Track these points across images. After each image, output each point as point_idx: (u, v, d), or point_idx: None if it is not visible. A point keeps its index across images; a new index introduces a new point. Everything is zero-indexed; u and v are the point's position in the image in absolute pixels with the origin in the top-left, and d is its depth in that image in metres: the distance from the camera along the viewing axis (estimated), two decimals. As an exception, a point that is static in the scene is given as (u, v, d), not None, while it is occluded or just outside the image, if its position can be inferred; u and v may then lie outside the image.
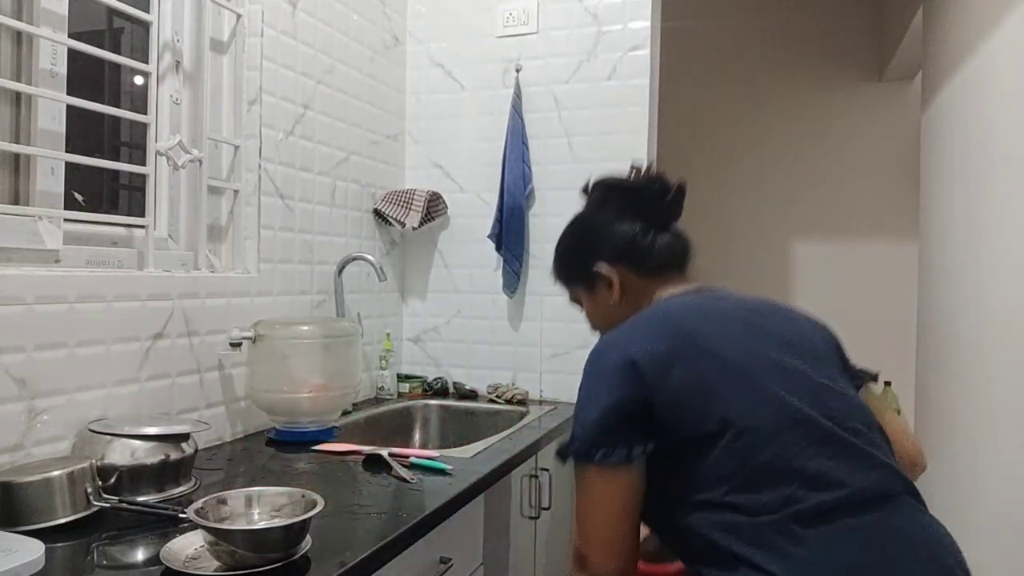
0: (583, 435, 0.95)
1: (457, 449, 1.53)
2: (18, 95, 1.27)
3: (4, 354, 1.10)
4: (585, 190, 1.20)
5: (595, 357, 0.99)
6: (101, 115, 1.48)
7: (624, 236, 1.11)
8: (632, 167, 1.16)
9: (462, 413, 2.07)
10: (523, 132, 2.13)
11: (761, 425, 0.89)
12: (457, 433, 2.05)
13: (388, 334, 2.18)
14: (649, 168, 1.16)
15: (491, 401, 2.09)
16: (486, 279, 2.21)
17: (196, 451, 1.24)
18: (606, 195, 1.16)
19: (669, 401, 0.92)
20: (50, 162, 1.30)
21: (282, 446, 1.54)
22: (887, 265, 3.24)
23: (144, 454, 1.15)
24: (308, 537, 0.96)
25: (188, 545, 0.94)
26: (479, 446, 1.55)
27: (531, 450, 1.61)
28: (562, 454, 0.99)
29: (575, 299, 1.21)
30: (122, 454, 1.14)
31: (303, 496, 1.00)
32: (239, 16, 1.65)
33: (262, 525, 0.96)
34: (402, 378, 2.17)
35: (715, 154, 3.47)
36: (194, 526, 0.95)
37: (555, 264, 1.22)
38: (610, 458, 0.92)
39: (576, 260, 1.17)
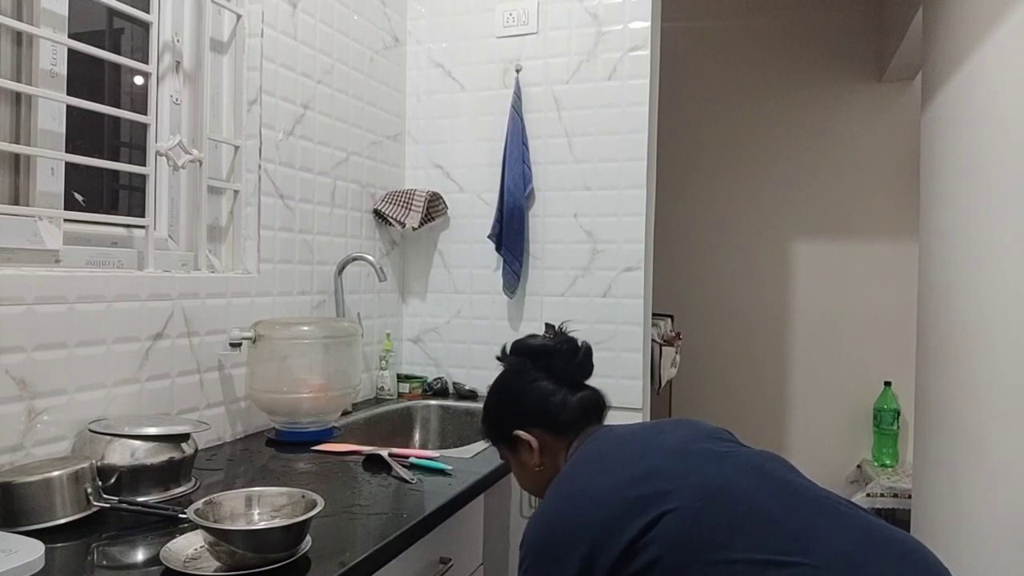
0: None
1: (457, 449, 1.53)
2: (18, 95, 1.27)
3: (4, 354, 1.10)
4: (502, 357, 1.25)
5: (527, 541, 0.98)
6: (101, 115, 1.48)
7: (538, 399, 1.16)
8: (546, 325, 1.21)
9: (462, 413, 2.07)
10: (523, 132, 2.13)
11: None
12: (457, 433, 2.05)
13: (388, 334, 2.18)
14: (561, 328, 1.23)
15: (491, 401, 2.09)
16: (486, 279, 2.21)
17: (196, 451, 1.24)
18: (520, 359, 1.21)
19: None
20: (50, 162, 1.30)
21: (282, 446, 1.54)
22: (887, 265, 3.24)
23: (144, 454, 1.15)
24: (308, 537, 0.96)
25: (188, 545, 0.94)
26: (479, 446, 1.55)
27: (531, 450, 1.61)
28: None
29: (504, 459, 1.25)
30: (122, 454, 1.14)
31: (303, 496, 1.00)
32: (239, 16, 1.65)
33: (262, 525, 0.96)
34: (402, 378, 2.17)
35: (715, 154, 3.47)
36: (194, 526, 0.95)
37: (482, 426, 1.27)
38: None
39: (498, 425, 1.21)
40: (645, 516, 0.90)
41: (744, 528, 0.87)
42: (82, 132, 1.45)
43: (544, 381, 1.17)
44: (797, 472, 0.99)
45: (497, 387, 1.23)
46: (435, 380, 2.20)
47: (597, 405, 1.19)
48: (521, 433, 1.16)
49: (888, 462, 3.13)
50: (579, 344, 1.20)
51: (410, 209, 2.11)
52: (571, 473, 1.04)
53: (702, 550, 0.86)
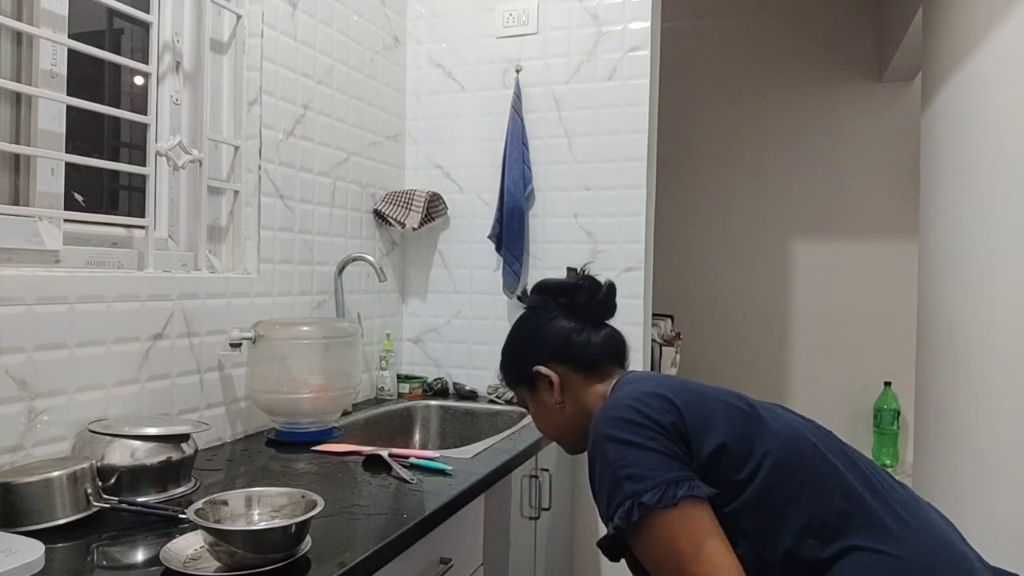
0: (649, 484, 0.87)
1: (457, 450, 1.53)
2: (18, 95, 1.27)
3: (4, 354, 1.10)
4: (523, 296, 1.24)
5: (607, 421, 0.95)
6: (101, 115, 1.48)
7: (559, 335, 1.14)
8: (568, 269, 1.20)
9: (462, 414, 2.07)
10: (523, 133, 2.13)
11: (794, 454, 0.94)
12: (457, 434, 2.05)
13: (388, 334, 2.18)
14: (583, 269, 1.22)
15: (491, 402, 2.09)
16: (486, 279, 2.21)
17: (196, 451, 1.24)
18: (542, 298, 1.20)
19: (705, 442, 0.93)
20: (50, 162, 1.30)
21: (282, 446, 1.54)
22: (887, 265, 3.24)
23: (144, 455, 1.15)
24: (308, 538, 0.96)
25: (188, 546, 0.94)
26: (479, 447, 1.55)
27: (531, 451, 1.61)
28: (620, 529, 0.89)
29: (522, 403, 1.23)
30: (122, 455, 1.14)
31: (303, 497, 1.00)
32: (239, 17, 1.65)
33: (262, 526, 0.96)
34: (402, 379, 2.17)
35: (715, 154, 3.47)
36: (194, 527, 0.95)
37: (501, 369, 1.24)
38: (697, 489, 0.87)
39: (517, 363, 1.19)
40: (747, 425, 0.93)
41: (837, 461, 0.92)
42: (82, 132, 1.45)
43: (564, 319, 1.15)
44: None
45: (515, 327, 1.21)
46: (435, 380, 2.20)
47: (623, 345, 1.17)
48: (542, 368, 1.13)
49: (888, 462, 3.13)
50: (601, 282, 1.18)
51: (410, 209, 2.11)
52: (647, 377, 1.04)
53: (803, 480, 0.89)
